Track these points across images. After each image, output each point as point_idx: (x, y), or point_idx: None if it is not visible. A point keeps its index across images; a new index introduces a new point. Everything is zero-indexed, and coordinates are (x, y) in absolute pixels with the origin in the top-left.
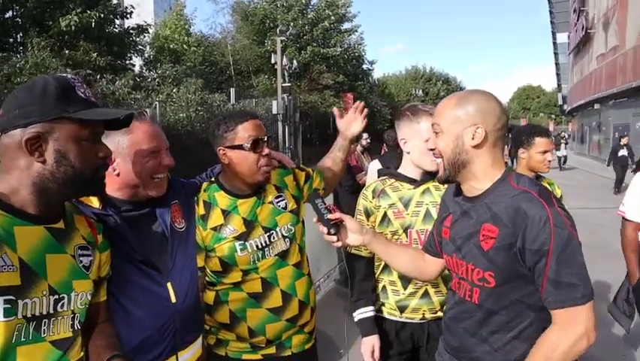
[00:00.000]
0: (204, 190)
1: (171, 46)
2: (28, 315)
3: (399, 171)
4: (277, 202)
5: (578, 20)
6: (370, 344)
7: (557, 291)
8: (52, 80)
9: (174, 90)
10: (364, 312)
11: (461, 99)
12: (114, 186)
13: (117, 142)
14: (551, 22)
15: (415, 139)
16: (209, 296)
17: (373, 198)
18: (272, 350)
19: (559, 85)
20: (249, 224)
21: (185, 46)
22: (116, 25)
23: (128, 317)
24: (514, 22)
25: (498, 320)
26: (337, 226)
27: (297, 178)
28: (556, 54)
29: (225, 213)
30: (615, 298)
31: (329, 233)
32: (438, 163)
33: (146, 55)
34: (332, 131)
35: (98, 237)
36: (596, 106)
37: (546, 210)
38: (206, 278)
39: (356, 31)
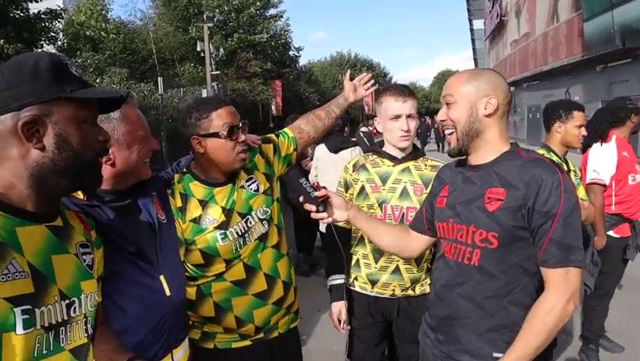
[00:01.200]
0: (178, 182)
1: (87, 33)
2: (46, 324)
3: (383, 148)
4: (249, 185)
5: (492, 8)
6: (337, 309)
7: (560, 252)
8: (45, 57)
9: (97, 80)
10: (334, 279)
11: (474, 74)
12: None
13: (112, 129)
14: (468, 10)
15: (383, 119)
16: (190, 292)
17: (353, 171)
18: (261, 335)
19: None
20: (228, 212)
21: (103, 33)
22: (23, 9)
23: (123, 315)
24: (435, 9)
25: (495, 284)
26: (324, 203)
27: (265, 154)
28: (473, 40)
29: (203, 204)
30: None
31: (317, 211)
32: (449, 135)
33: (60, 42)
34: (261, 119)
35: (91, 233)
36: (512, 88)
37: (558, 175)
38: (186, 273)
39: (282, 17)
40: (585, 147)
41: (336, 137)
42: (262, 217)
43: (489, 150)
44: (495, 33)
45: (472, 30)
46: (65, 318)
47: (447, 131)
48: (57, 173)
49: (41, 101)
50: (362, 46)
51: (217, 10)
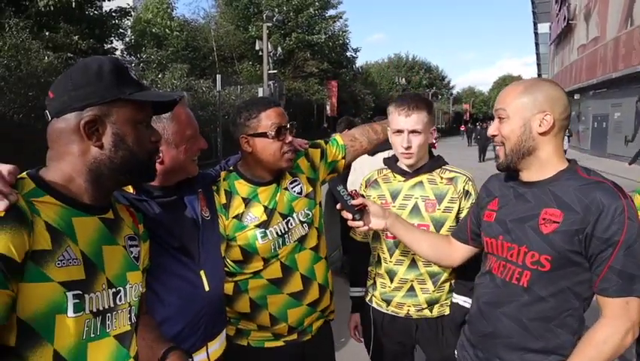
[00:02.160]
0: (224, 179)
1: (153, 30)
2: (94, 310)
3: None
4: (292, 188)
5: (559, 11)
6: (354, 320)
7: (621, 281)
8: (107, 61)
9: (159, 76)
10: (354, 291)
11: (529, 86)
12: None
13: (162, 128)
14: (533, 13)
15: (390, 131)
16: (228, 287)
17: (366, 187)
18: (294, 336)
19: (539, 75)
20: (270, 212)
21: (167, 30)
22: (97, 7)
23: (163, 307)
24: (498, 12)
25: (544, 307)
26: (361, 212)
27: (311, 158)
28: (537, 44)
29: (246, 201)
30: None
31: (354, 219)
32: (498, 149)
33: (128, 39)
34: (315, 118)
35: (139, 226)
36: (576, 96)
37: (621, 201)
38: (225, 269)
39: (340, 17)
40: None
41: None
42: (303, 220)
43: (544, 167)
44: (561, 37)
45: (536, 34)
46: (111, 305)
47: (497, 146)
48: (113, 169)
49: (102, 102)
50: (420, 48)
51: (276, 10)
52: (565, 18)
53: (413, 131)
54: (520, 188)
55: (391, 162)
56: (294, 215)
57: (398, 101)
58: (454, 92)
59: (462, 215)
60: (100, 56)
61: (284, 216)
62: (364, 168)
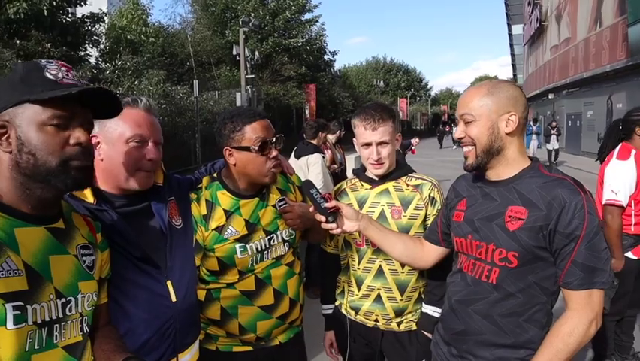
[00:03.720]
0: (206, 188)
1: (128, 36)
2: (39, 321)
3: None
4: (280, 205)
5: (532, 12)
6: (328, 338)
7: (583, 274)
8: (21, 65)
9: (135, 82)
10: (324, 309)
11: (492, 88)
12: (100, 176)
13: (105, 126)
14: (507, 14)
15: (357, 143)
16: (200, 293)
17: (335, 197)
18: (262, 343)
19: (514, 75)
20: (251, 226)
21: (143, 36)
22: (69, 14)
23: (127, 318)
24: (475, 14)
25: (513, 303)
26: (334, 214)
27: (294, 191)
28: (511, 45)
29: (227, 214)
30: None
31: (327, 221)
32: (466, 151)
33: (102, 46)
34: (295, 123)
35: (97, 236)
36: (550, 96)
37: (582, 196)
38: (199, 276)
39: (317, 21)
40: (601, 161)
41: (301, 145)
42: (286, 239)
43: (509, 166)
44: (534, 38)
45: (510, 35)
46: (60, 316)
47: (465, 148)
48: (26, 176)
49: (9, 106)
50: (400, 50)
51: (253, 15)
52: (537, 19)
53: (381, 143)
54: (486, 187)
55: (359, 172)
56: (278, 232)
57: (362, 115)
58: (433, 93)
59: (428, 222)
60: (30, 61)
61: (267, 233)
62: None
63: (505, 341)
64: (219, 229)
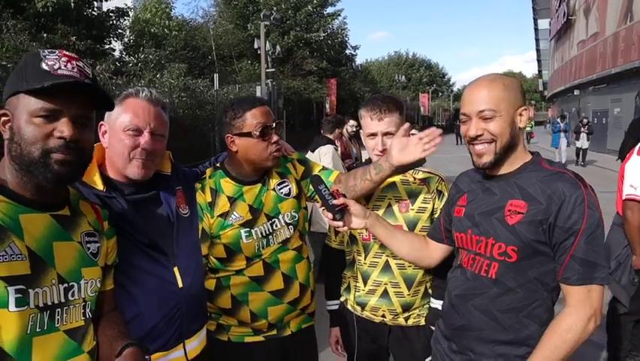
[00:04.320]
0: (210, 177)
1: (152, 30)
2: (41, 304)
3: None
4: (280, 189)
5: (559, 6)
6: (334, 334)
7: (583, 269)
8: (25, 56)
9: (157, 76)
10: (330, 305)
11: (508, 82)
12: (107, 163)
13: (111, 115)
14: (533, 9)
15: (363, 134)
16: (210, 283)
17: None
18: (273, 332)
19: (539, 71)
20: (255, 211)
21: (166, 30)
22: (95, 8)
23: (135, 303)
24: (500, 9)
25: (512, 298)
26: (342, 212)
27: (295, 168)
28: (537, 40)
29: (231, 200)
30: (620, 279)
31: (334, 218)
32: (481, 149)
33: (126, 39)
34: (315, 117)
35: (103, 223)
36: (576, 92)
37: (582, 190)
38: (209, 265)
39: (339, 15)
40: (622, 159)
41: (317, 138)
42: (289, 222)
43: (514, 160)
44: (561, 33)
45: (536, 30)
46: (62, 300)
47: (480, 146)
48: (17, 165)
49: (9, 96)
50: (423, 45)
51: (275, 8)
52: (564, 14)
53: (386, 134)
54: (487, 182)
55: (367, 165)
56: (280, 217)
57: (369, 105)
58: (455, 88)
59: (436, 216)
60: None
61: (269, 218)
62: None
63: (504, 337)
64: (224, 215)
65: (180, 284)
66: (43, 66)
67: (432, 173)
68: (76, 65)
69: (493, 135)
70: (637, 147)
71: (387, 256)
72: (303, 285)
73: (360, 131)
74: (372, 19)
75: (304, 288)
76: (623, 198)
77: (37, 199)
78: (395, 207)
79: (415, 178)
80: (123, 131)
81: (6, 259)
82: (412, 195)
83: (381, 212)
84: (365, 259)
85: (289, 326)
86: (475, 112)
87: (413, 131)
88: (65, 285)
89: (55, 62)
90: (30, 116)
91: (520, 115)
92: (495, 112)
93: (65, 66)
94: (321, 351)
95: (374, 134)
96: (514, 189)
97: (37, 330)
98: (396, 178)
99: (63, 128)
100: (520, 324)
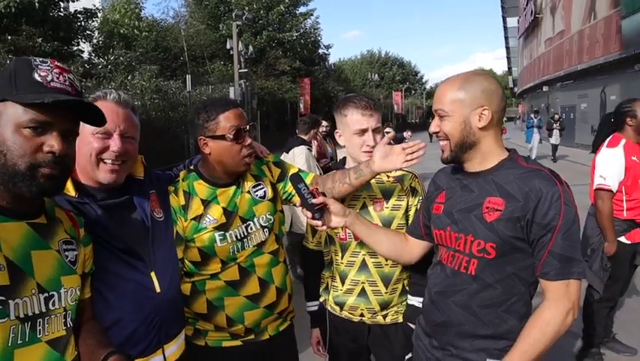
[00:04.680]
0: (183, 179)
1: (121, 31)
2: (21, 315)
3: (345, 166)
4: (255, 191)
5: (527, 5)
6: (315, 335)
7: (560, 264)
8: (14, 61)
9: (128, 77)
10: (309, 306)
11: (464, 82)
12: (77, 168)
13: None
14: (502, 7)
15: (346, 132)
16: (186, 287)
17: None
18: (251, 336)
19: (509, 68)
20: (229, 214)
21: (136, 31)
22: (61, 9)
23: (113, 310)
24: (472, 8)
25: (492, 294)
26: (322, 210)
27: (270, 171)
28: (506, 38)
29: (205, 203)
30: (591, 266)
31: (313, 218)
32: (442, 145)
33: (95, 40)
34: (289, 117)
35: (80, 231)
36: (545, 88)
37: (558, 187)
38: (184, 269)
39: (311, 15)
40: (594, 152)
41: (291, 139)
42: (264, 225)
43: (485, 158)
44: (529, 31)
45: (505, 28)
46: (43, 310)
47: (441, 142)
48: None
49: None
50: (396, 44)
51: (246, 8)
52: (532, 12)
53: (375, 130)
54: (465, 179)
55: (339, 166)
56: (255, 219)
57: (357, 102)
58: (428, 86)
59: (410, 213)
60: (27, 57)
61: (244, 221)
62: None
63: (484, 331)
64: (198, 219)
65: (158, 289)
66: (36, 77)
67: (405, 170)
68: (68, 77)
69: (446, 134)
70: (606, 141)
71: (364, 255)
72: (280, 289)
73: (336, 132)
74: (345, 18)
75: (281, 292)
76: (594, 188)
77: (13, 207)
78: (370, 207)
79: (388, 176)
80: (92, 134)
81: None
82: (386, 194)
83: (356, 210)
84: (342, 258)
85: (267, 330)
86: (434, 110)
87: (387, 129)
88: (45, 294)
89: (48, 74)
90: (18, 127)
91: (481, 115)
92: (446, 112)
93: (58, 79)
94: (301, 352)
95: (364, 130)
96: (492, 187)
97: (19, 342)
98: None
99: (53, 142)
100: (499, 319)
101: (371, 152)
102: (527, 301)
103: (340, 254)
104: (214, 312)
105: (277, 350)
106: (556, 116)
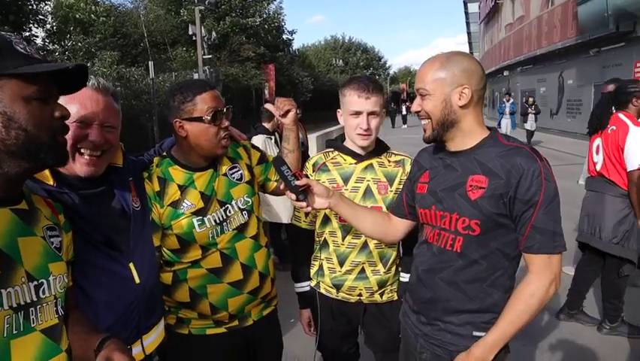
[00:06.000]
0: (157, 166)
1: (77, 15)
2: (14, 305)
3: (345, 143)
4: (231, 174)
5: None
6: (306, 316)
7: (543, 238)
8: None
9: (87, 64)
10: (300, 287)
11: (445, 61)
12: None
13: None
14: None
15: (344, 112)
16: (167, 277)
17: (313, 172)
18: (235, 322)
19: (471, 53)
20: (207, 198)
21: (92, 16)
22: None
23: (91, 302)
24: None
25: (477, 269)
26: (305, 192)
27: (250, 154)
28: (467, 23)
29: (182, 188)
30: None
31: (298, 199)
32: (424, 124)
33: (49, 26)
34: (254, 103)
35: (59, 217)
36: (505, 73)
37: (538, 163)
38: (163, 258)
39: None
40: (591, 132)
41: (252, 129)
42: (242, 207)
43: (466, 137)
44: (490, 16)
45: (466, 13)
46: (34, 299)
47: (423, 121)
48: (10, 153)
49: None
50: (360, 29)
51: None
52: None
53: (371, 113)
54: (447, 158)
55: (338, 145)
56: (233, 202)
57: (356, 83)
58: (391, 72)
59: None
60: None
61: (222, 204)
62: None
63: (471, 306)
64: (174, 204)
65: (137, 280)
66: (19, 49)
67: (404, 155)
68: (34, 49)
69: (427, 112)
70: (627, 119)
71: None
72: (263, 274)
73: (337, 111)
74: (309, 2)
75: (264, 277)
76: (628, 170)
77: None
78: (374, 189)
79: (389, 161)
80: (70, 122)
81: None
82: (390, 178)
83: (360, 194)
84: (343, 240)
85: (250, 315)
86: (416, 89)
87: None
88: (35, 282)
89: (25, 46)
90: (28, 99)
91: (461, 94)
92: (428, 91)
93: (31, 50)
94: (285, 334)
95: (359, 113)
96: (475, 165)
97: (14, 332)
98: (374, 161)
99: (61, 108)
100: (484, 293)
101: (364, 135)
102: (511, 275)
103: (340, 236)
104: (197, 300)
105: (261, 333)
106: (531, 100)
